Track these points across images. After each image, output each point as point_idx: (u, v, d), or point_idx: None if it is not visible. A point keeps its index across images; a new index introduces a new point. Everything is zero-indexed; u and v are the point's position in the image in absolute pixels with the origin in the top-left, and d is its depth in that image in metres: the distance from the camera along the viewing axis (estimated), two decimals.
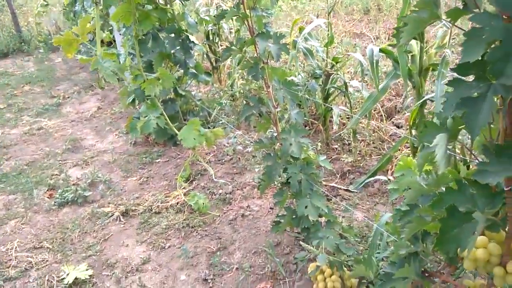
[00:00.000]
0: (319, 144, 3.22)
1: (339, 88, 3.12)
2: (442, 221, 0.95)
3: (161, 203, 2.79)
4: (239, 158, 3.26)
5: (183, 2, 2.90)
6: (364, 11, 6.90)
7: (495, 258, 0.99)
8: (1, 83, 5.66)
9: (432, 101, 2.28)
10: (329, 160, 3.06)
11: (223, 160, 3.27)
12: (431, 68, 2.36)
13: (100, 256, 2.39)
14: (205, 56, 4.66)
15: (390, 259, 1.37)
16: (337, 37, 5.48)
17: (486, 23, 0.77)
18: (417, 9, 0.93)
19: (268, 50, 1.78)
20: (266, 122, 1.99)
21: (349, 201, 2.64)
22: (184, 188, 2.92)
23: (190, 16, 3.16)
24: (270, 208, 2.65)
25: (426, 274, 1.25)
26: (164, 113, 2.35)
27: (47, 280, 2.22)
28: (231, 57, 1.95)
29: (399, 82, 3.68)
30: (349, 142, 3.24)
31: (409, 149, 2.79)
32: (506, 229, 0.97)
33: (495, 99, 0.81)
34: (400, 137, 2.83)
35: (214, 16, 3.99)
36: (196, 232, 2.51)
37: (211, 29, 4.53)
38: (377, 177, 2.49)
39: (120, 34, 4.04)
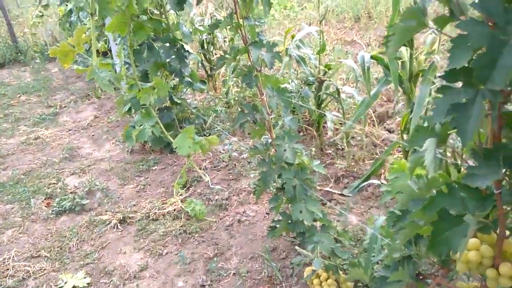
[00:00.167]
0: (313, 149, 3.26)
1: (332, 94, 3.17)
2: (433, 224, 0.96)
3: (158, 210, 2.81)
4: (235, 165, 3.29)
5: (177, 13, 2.95)
6: (355, 19, 7.00)
7: (487, 260, 1.00)
8: None
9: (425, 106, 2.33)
10: (323, 165, 3.10)
11: (219, 167, 3.31)
12: (420, 74, 2.41)
13: (98, 264, 2.40)
14: (200, 64, 4.71)
15: (384, 263, 1.38)
16: (329, 45, 5.56)
17: (472, 30, 0.77)
18: (404, 18, 0.94)
19: (262, 58, 1.83)
20: (260, 128, 2.02)
21: (344, 205, 2.67)
22: (180, 195, 2.95)
23: (185, 26, 3.21)
24: (266, 213, 2.68)
25: (420, 277, 1.26)
26: (159, 122, 2.39)
27: None
28: (225, 66, 2.00)
29: (390, 88, 3.74)
30: (343, 147, 3.28)
31: (401, 153, 2.83)
32: (498, 231, 0.98)
33: (484, 104, 0.81)
34: (392, 141, 2.88)
35: (208, 25, 4.06)
36: (193, 238, 2.53)
37: (206, 38, 4.59)
38: (370, 181, 2.53)
39: (115, 44, 4.09)
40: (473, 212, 0.93)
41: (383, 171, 2.82)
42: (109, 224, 2.72)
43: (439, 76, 0.86)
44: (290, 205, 2.02)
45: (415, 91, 2.46)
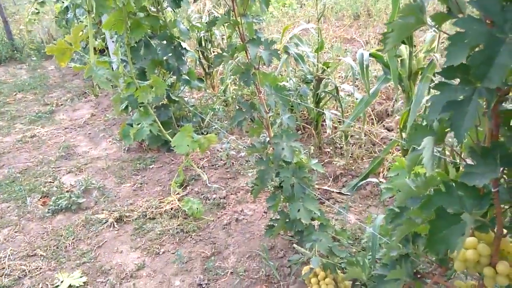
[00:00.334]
0: (312, 148, 3.25)
1: (330, 92, 3.16)
2: (431, 222, 0.95)
3: (155, 209, 2.79)
4: (233, 163, 3.27)
5: (174, 10, 2.93)
6: (354, 16, 6.99)
7: (485, 259, 1.00)
8: None
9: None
10: (322, 163, 3.09)
11: (216, 165, 3.29)
12: (420, 72, 2.40)
13: (94, 263, 2.38)
14: (197, 62, 4.69)
15: (382, 261, 1.38)
16: (328, 43, 5.54)
17: (469, 28, 0.77)
18: (402, 15, 0.94)
19: (259, 56, 1.81)
20: (258, 127, 2.01)
21: (342, 204, 2.66)
22: (178, 193, 2.93)
23: (182, 23, 3.19)
24: (264, 212, 2.67)
25: (418, 276, 1.26)
26: (157, 120, 2.37)
27: (41, 287, 2.22)
28: (223, 63, 1.98)
29: (389, 86, 3.73)
30: (341, 145, 3.27)
31: (400, 151, 2.83)
32: (495, 229, 0.98)
33: (481, 102, 0.81)
34: (391, 140, 2.87)
35: (206, 23, 4.03)
36: (191, 237, 2.52)
37: (203, 36, 4.57)
38: (369, 179, 2.53)
39: (112, 41, 4.06)
40: (470, 211, 0.93)
41: (381, 169, 2.82)
42: (105, 223, 2.70)
43: (437, 73, 0.85)
44: (288, 203, 2.01)
45: (414, 89, 2.46)
